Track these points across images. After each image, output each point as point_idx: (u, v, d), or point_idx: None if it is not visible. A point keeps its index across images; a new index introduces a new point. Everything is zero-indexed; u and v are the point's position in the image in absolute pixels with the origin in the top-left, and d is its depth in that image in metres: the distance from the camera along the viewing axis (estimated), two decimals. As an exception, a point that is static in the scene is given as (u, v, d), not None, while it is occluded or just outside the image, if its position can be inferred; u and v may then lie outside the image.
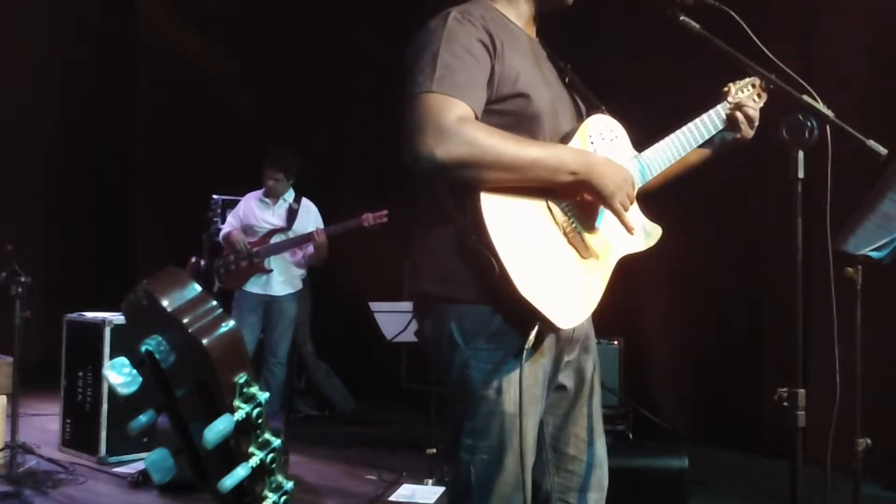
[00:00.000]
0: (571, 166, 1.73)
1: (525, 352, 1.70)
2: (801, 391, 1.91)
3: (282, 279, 5.30)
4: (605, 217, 1.86)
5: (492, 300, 1.71)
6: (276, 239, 5.28)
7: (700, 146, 2.06)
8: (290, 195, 5.37)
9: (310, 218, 5.34)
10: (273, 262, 5.26)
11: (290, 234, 5.27)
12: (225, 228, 5.37)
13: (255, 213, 5.36)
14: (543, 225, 1.75)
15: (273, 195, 5.33)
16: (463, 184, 1.68)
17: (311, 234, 5.19)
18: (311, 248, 5.26)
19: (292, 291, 5.34)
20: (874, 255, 2.96)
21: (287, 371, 5.40)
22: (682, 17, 1.91)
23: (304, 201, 5.39)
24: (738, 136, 2.08)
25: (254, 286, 5.23)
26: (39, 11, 7.80)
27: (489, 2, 1.89)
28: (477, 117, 1.71)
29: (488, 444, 1.75)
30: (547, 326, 1.71)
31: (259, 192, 5.40)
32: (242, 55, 7.78)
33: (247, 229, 5.30)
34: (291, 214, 5.32)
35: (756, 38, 1.90)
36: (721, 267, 5.51)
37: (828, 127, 1.88)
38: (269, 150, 5.42)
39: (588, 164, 1.75)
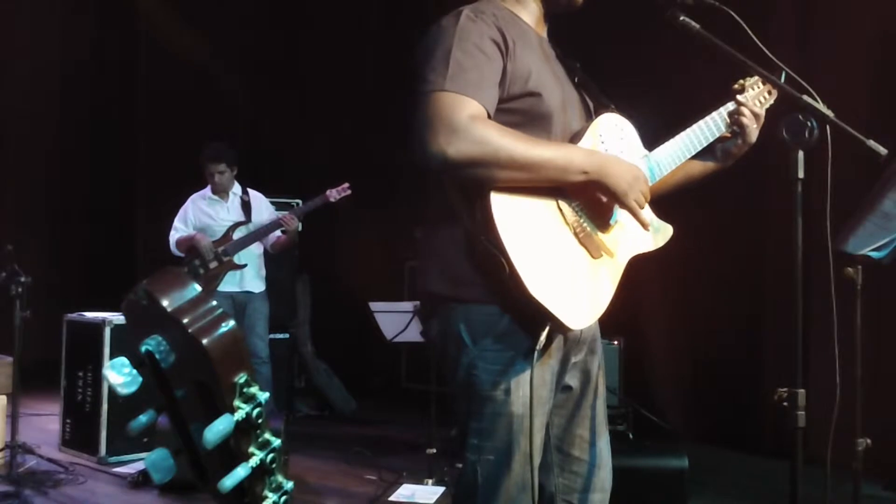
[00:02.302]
0: (583, 165, 1.72)
1: (535, 353, 1.69)
2: (801, 391, 1.91)
3: (254, 273, 5.25)
4: (617, 216, 1.85)
5: (500, 301, 1.70)
6: (239, 233, 5.17)
7: (707, 157, 2.05)
8: (237, 189, 5.30)
9: (263, 207, 5.29)
10: (244, 257, 5.16)
11: (251, 227, 5.18)
12: (175, 234, 5.23)
13: (207, 213, 5.24)
14: (554, 224, 1.74)
15: (221, 190, 5.24)
16: (473, 183, 1.67)
17: (278, 220, 5.08)
18: (275, 236, 5.17)
19: (264, 289, 5.30)
20: (874, 255, 2.96)
21: (272, 367, 5.33)
22: (682, 18, 1.90)
23: (252, 192, 5.32)
24: (745, 130, 2.02)
25: (228, 285, 5.13)
26: (39, 11, 7.81)
27: (500, 1, 1.89)
28: (489, 116, 1.70)
29: (494, 444, 1.75)
30: (557, 327, 1.70)
31: (204, 192, 5.30)
32: (242, 55, 7.78)
33: (205, 231, 5.17)
34: (246, 207, 5.24)
35: (756, 39, 1.89)
36: (721, 267, 5.51)
37: (828, 127, 1.88)
38: (203, 147, 5.27)
39: (599, 164, 1.74)
